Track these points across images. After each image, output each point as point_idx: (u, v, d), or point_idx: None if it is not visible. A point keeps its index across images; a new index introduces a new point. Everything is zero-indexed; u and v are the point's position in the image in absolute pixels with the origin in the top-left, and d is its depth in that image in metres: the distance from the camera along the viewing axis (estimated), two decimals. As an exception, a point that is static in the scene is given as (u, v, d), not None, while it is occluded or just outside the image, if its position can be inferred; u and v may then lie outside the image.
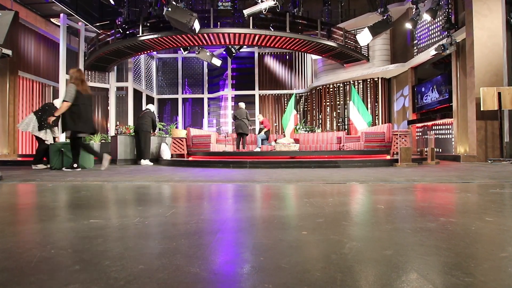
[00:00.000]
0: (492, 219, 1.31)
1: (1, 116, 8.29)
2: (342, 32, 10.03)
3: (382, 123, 10.61)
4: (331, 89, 11.74)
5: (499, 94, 6.16)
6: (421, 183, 2.72)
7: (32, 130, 5.22)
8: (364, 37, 8.44)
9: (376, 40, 10.12)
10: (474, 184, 2.62)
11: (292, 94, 12.54)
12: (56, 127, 5.28)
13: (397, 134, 6.26)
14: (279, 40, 9.58)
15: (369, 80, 10.95)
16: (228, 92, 13.53)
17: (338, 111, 11.62)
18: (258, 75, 13.40)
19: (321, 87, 11.94)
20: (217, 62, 11.69)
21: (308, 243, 1.00)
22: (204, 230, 1.17)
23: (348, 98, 11.13)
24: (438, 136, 8.56)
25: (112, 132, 10.72)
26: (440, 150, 8.47)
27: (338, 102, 11.62)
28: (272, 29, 9.24)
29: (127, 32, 9.46)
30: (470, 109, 6.82)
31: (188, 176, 3.58)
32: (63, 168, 4.78)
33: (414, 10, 8.17)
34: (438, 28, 8.44)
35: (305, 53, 12.44)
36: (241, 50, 12.22)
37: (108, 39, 9.84)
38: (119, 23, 9.58)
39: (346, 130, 10.93)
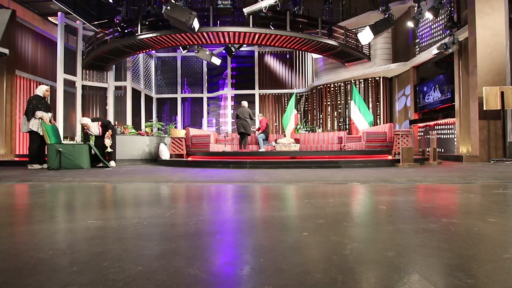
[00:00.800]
0: (495, 220, 1.29)
1: (-2, 116, 8.29)
2: (343, 31, 9.99)
3: (383, 123, 10.57)
4: (332, 89, 11.71)
5: (502, 93, 6.13)
6: (423, 183, 2.71)
7: (31, 127, 5.20)
8: (365, 36, 8.41)
9: (377, 39, 10.09)
10: (477, 185, 2.60)
11: (293, 93, 12.52)
12: (38, 114, 5.23)
13: (398, 134, 6.23)
14: (279, 39, 9.55)
15: (370, 79, 10.92)
16: (228, 92, 13.51)
17: (339, 110, 11.58)
18: (258, 74, 13.38)
19: (322, 86, 11.91)
20: (216, 61, 11.67)
21: (308, 244, 1.00)
22: (204, 231, 1.16)
23: (349, 98, 11.10)
24: (440, 136, 8.53)
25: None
26: (442, 150, 8.44)
27: (339, 102, 11.58)
28: (273, 28, 9.22)
29: (126, 31, 9.43)
30: (472, 108, 6.79)
31: (187, 176, 3.57)
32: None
33: (416, 8, 8.13)
34: (440, 27, 8.39)
35: (306, 52, 12.41)
36: (241, 49, 12.20)
37: (107, 37, 9.80)
38: (118, 21, 9.54)
39: (347, 130, 10.90)
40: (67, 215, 1.52)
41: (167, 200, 1.99)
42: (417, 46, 9.43)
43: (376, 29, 8.23)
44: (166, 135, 8.31)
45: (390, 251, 0.90)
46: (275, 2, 7.38)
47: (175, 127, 10.33)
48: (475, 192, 2.19)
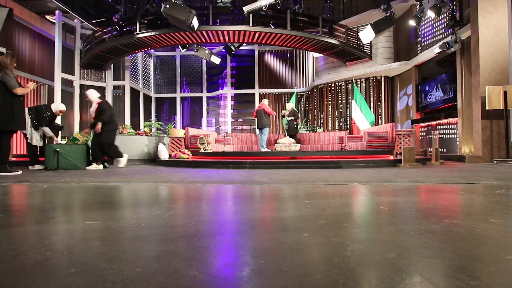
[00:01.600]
0: (498, 221, 1.28)
1: (-5, 116, 8.27)
2: (344, 30, 9.96)
3: (385, 123, 10.53)
4: (333, 88, 11.68)
5: (505, 92, 6.09)
6: (425, 184, 2.69)
7: (33, 139, 5.25)
8: (366, 35, 8.38)
9: (379, 38, 10.04)
10: (479, 185, 2.59)
11: (293, 92, 12.51)
12: (41, 129, 5.24)
13: (400, 134, 6.20)
14: (279, 37, 9.52)
15: (371, 78, 10.88)
16: (228, 91, 13.47)
17: (340, 110, 11.55)
18: (258, 74, 13.33)
19: (322, 85, 11.88)
20: (216, 60, 11.64)
21: (309, 246, 0.99)
22: (203, 232, 1.15)
23: (350, 97, 11.07)
24: (442, 136, 8.49)
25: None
26: (445, 150, 8.40)
27: (340, 101, 11.55)
28: (273, 26, 9.18)
29: (124, 30, 9.40)
30: (475, 108, 6.75)
31: (186, 176, 3.57)
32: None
33: (418, 7, 8.09)
34: (443, 26, 8.35)
35: (306, 51, 12.38)
36: (240, 48, 12.15)
37: (105, 36, 9.77)
38: (116, 20, 9.50)
39: (348, 130, 10.88)
40: (65, 216, 1.52)
41: (166, 201, 1.99)
42: (419, 45, 9.39)
43: (378, 27, 8.19)
44: (165, 135, 8.28)
45: (392, 252, 0.89)
46: (275, 1, 7.35)
47: (174, 127, 10.32)
48: (478, 192, 2.18)
